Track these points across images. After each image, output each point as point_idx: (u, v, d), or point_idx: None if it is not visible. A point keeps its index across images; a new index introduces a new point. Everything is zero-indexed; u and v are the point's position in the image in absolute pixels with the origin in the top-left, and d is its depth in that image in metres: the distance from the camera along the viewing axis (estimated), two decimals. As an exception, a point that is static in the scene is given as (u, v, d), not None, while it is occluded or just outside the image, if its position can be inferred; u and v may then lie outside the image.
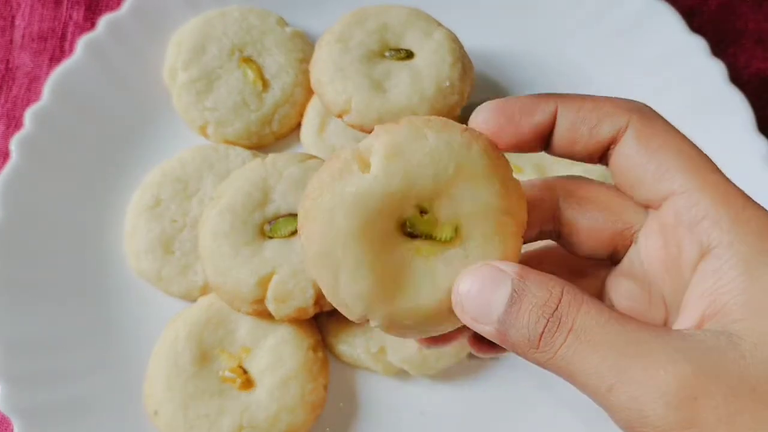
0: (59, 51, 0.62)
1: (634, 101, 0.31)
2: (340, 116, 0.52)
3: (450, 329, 0.31)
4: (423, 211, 0.30)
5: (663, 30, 0.58)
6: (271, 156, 0.51)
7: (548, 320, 0.27)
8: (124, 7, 0.57)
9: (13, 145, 0.53)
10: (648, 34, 0.58)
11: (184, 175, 0.54)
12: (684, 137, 0.30)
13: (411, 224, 0.30)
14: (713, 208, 0.28)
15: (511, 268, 0.28)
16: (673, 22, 0.58)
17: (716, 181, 0.28)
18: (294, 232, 0.49)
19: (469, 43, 0.56)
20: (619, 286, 0.33)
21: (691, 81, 0.57)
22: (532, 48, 0.61)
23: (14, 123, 0.60)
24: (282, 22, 0.59)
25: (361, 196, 0.29)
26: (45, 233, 0.53)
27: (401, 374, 0.51)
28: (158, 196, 0.54)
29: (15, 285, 0.50)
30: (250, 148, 0.57)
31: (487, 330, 0.28)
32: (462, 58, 0.54)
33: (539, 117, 0.31)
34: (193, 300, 0.52)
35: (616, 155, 0.30)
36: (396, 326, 0.30)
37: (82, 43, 0.56)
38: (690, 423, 0.25)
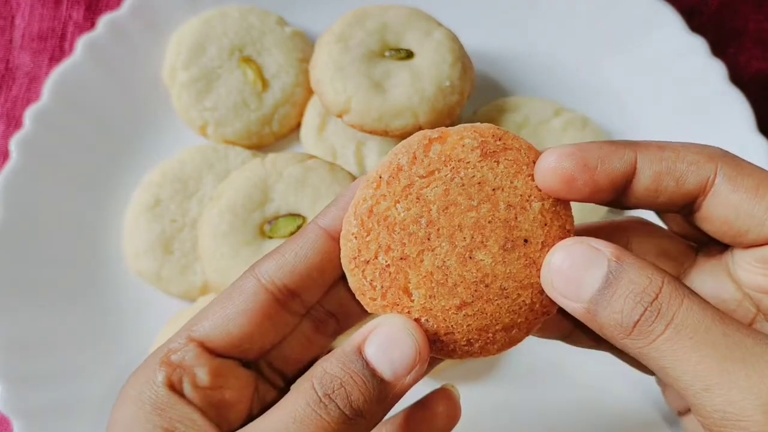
0: (59, 51, 0.62)
1: (714, 147, 0.30)
2: (339, 116, 0.52)
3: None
4: None
5: (663, 30, 0.58)
6: (270, 156, 0.51)
7: (646, 308, 0.27)
8: (124, 7, 0.57)
9: (13, 145, 0.53)
10: (648, 34, 0.58)
11: (183, 175, 0.54)
12: None
13: None
14: None
15: (607, 248, 0.28)
16: (673, 21, 0.58)
17: None
18: (293, 232, 0.49)
19: (469, 43, 0.56)
20: (705, 282, 0.32)
21: (691, 81, 0.57)
22: (532, 48, 0.61)
23: (14, 123, 0.60)
24: (282, 22, 0.59)
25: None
26: (45, 233, 0.53)
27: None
28: (158, 196, 0.54)
29: (15, 285, 0.50)
30: (249, 148, 0.56)
31: (574, 308, 0.28)
32: (462, 57, 0.54)
33: (617, 165, 0.29)
34: (193, 300, 0.52)
35: (709, 205, 0.29)
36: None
37: (82, 42, 0.56)
38: None
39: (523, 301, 0.29)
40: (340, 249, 0.30)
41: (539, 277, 0.29)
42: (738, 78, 0.58)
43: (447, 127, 0.30)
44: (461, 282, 0.29)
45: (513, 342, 0.30)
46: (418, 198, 0.29)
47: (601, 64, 0.60)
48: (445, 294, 0.29)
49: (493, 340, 0.30)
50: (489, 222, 0.29)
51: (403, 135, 0.52)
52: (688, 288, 0.27)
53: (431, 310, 0.29)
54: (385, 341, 0.28)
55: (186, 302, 0.53)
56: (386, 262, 0.29)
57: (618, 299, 0.27)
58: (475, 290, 0.29)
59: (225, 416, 0.31)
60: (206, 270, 0.49)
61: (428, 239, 0.29)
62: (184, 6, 0.59)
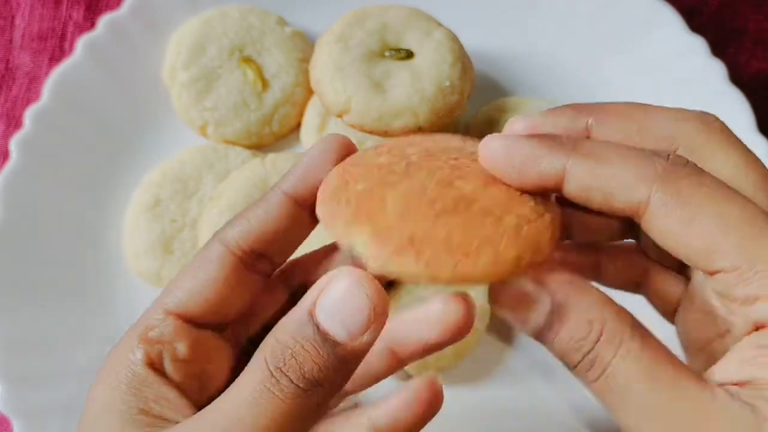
0: (59, 51, 0.62)
1: (659, 165, 0.27)
2: (340, 116, 0.52)
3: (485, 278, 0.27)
4: None
5: (663, 30, 0.58)
6: (270, 156, 0.51)
7: (584, 356, 0.27)
8: (124, 7, 0.57)
9: (13, 145, 0.53)
10: (648, 34, 0.58)
11: (183, 175, 0.54)
12: (729, 191, 0.27)
13: None
14: (766, 287, 0.26)
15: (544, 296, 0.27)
16: (673, 21, 0.58)
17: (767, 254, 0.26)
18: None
19: (468, 43, 0.56)
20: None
21: (691, 81, 0.57)
22: (532, 48, 0.61)
23: (14, 123, 0.60)
24: (282, 22, 0.59)
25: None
26: (45, 233, 0.53)
27: (401, 374, 0.51)
28: (158, 196, 0.54)
29: (15, 285, 0.51)
30: (249, 148, 0.57)
31: (524, 329, 0.28)
32: (462, 57, 0.54)
33: (544, 168, 0.28)
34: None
35: (646, 228, 0.28)
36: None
37: (82, 42, 0.56)
38: None
39: (509, 222, 0.27)
40: (303, 212, 0.30)
41: (527, 209, 0.28)
42: (738, 78, 0.58)
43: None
44: (440, 198, 0.27)
45: (501, 262, 0.26)
46: (400, 153, 0.29)
47: (601, 64, 0.60)
48: (422, 205, 0.27)
49: (476, 253, 0.26)
50: (468, 166, 0.28)
51: (403, 135, 0.52)
52: (636, 327, 0.27)
53: (406, 219, 0.26)
54: (334, 301, 0.26)
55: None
56: (363, 187, 0.28)
57: (560, 342, 0.27)
58: (455, 205, 0.27)
59: (206, 388, 0.30)
60: None
61: (407, 174, 0.28)
62: (184, 6, 0.59)
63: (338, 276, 0.26)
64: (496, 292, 0.29)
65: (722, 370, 0.27)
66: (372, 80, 0.52)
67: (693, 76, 0.57)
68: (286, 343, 0.26)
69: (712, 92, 0.56)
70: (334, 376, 0.26)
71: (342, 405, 0.34)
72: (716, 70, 0.56)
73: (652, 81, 0.58)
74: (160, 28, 0.58)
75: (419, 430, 0.36)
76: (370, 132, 0.52)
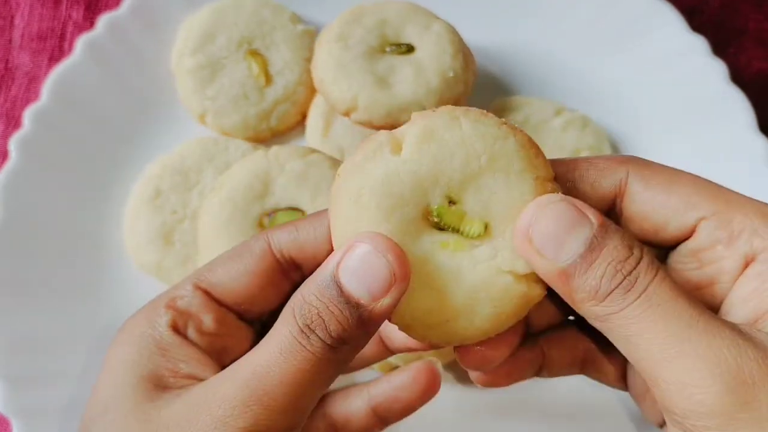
0: (58, 50, 0.62)
1: (625, 156, 0.31)
2: (347, 114, 0.52)
3: (472, 340, 0.30)
4: (451, 202, 0.29)
5: (664, 29, 0.58)
6: (274, 149, 0.52)
7: (625, 278, 0.27)
8: (124, 7, 0.57)
9: (13, 144, 0.53)
10: (649, 34, 0.58)
11: (184, 168, 0.54)
12: (680, 170, 0.31)
13: (438, 215, 0.29)
14: (749, 220, 0.28)
15: (593, 214, 0.28)
16: (673, 21, 0.58)
17: (741, 200, 0.29)
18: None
19: (468, 42, 0.56)
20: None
21: (691, 81, 0.57)
22: (532, 47, 0.61)
23: (13, 123, 0.60)
24: (295, 19, 0.59)
25: (389, 177, 0.28)
26: (45, 233, 0.52)
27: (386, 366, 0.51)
28: (158, 188, 0.54)
29: (15, 285, 0.50)
30: (248, 141, 0.57)
31: (544, 266, 0.28)
32: (462, 48, 0.54)
33: None
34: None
35: (628, 204, 0.30)
36: (417, 325, 0.29)
37: (81, 42, 0.56)
38: (742, 407, 0.25)
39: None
40: None
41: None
42: (738, 78, 0.58)
43: None
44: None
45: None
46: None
47: (602, 63, 0.60)
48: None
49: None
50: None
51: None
52: (662, 266, 0.28)
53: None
54: (357, 264, 0.27)
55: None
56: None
57: (599, 266, 0.27)
58: None
59: (225, 362, 0.31)
60: (202, 257, 0.50)
61: None
62: (183, 5, 0.58)
63: (361, 240, 0.28)
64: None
65: (727, 314, 0.29)
66: (376, 76, 0.52)
67: (693, 75, 0.57)
68: (312, 302, 0.28)
69: (713, 92, 0.56)
70: (358, 333, 0.28)
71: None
72: (717, 69, 0.56)
73: (653, 80, 0.58)
74: (160, 28, 0.58)
75: (414, 410, 0.38)
76: (379, 128, 0.52)
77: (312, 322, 0.27)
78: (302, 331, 0.27)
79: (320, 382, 0.28)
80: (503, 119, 0.30)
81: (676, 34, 0.57)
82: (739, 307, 0.28)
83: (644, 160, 0.31)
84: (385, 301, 0.27)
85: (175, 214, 0.53)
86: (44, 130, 0.54)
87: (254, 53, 0.57)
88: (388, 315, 0.28)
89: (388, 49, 0.54)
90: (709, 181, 0.30)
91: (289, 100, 0.57)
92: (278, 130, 0.58)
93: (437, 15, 0.56)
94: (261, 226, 0.49)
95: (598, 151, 0.56)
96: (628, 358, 0.28)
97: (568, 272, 0.27)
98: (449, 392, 0.51)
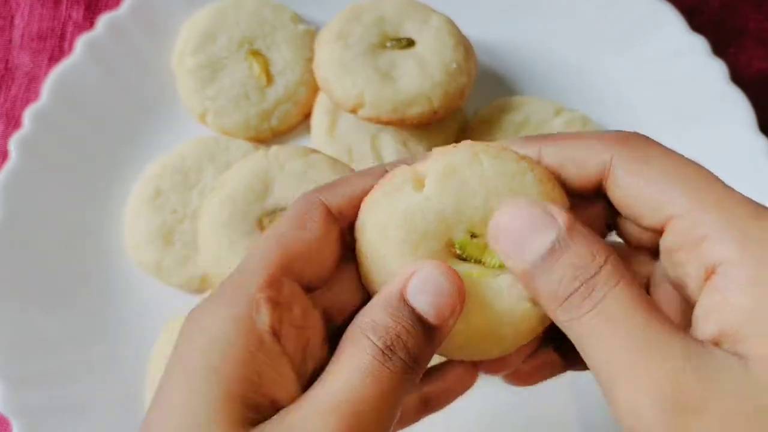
0: (58, 50, 0.62)
1: (623, 132, 0.30)
2: (353, 111, 0.53)
3: (498, 354, 0.31)
4: (473, 235, 0.30)
5: (664, 29, 0.58)
6: (274, 148, 0.52)
7: (582, 284, 0.27)
8: (124, 7, 0.57)
9: (13, 144, 0.53)
10: (649, 33, 0.58)
11: (184, 167, 0.54)
12: (680, 157, 0.29)
13: (461, 247, 0.30)
14: (717, 224, 0.26)
15: (561, 217, 0.28)
16: (673, 21, 0.58)
17: (720, 197, 0.27)
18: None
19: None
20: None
21: (691, 81, 0.57)
22: (531, 47, 0.60)
23: (13, 123, 0.60)
24: (296, 19, 0.59)
25: (413, 213, 0.30)
26: (45, 233, 0.52)
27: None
28: (159, 188, 0.54)
29: (15, 285, 0.50)
30: (248, 141, 0.57)
31: (513, 267, 0.28)
32: (462, 40, 0.55)
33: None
34: (193, 291, 0.52)
35: (611, 188, 0.30)
36: (448, 346, 0.30)
37: (81, 42, 0.56)
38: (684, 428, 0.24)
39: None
40: None
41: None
42: (738, 78, 0.58)
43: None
44: None
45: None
46: None
47: (602, 63, 0.60)
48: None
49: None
50: None
51: (420, 121, 0.53)
52: (630, 274, 0.27)
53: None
54: (425, 285, 0.28)
55: (186, 295, 0.53)
56: None
57: (558, 269, 0.27)
58: None
59: (305, 361, 0.29)
60: (204, 258, 0.49)
61: None
62: (183, 5, 0.59)
63: (424, 265, 0.28)
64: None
65: (695, 326, 0.27)
66: (380, 72, 0.52)
67: (693, 75, 0.57)
68: (387, 324, 0.27)
69: (713, 92, 0.56)
70: (427, 354, 0.28)
71: None
72: (717, 69, 0.56)
73: (653, 80, 0.58)
74: (160, 28, 0.58)
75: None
76: (387, 123, 0.53)
77: (392, 343, 0.27)
78: (383, 352, 0.27)
79: (399, 405, 0.28)
80: (522, 154, 0.31)
81: (676, 34, 0.57)
82: (702, 320, 0.26)
83: (640, 139, 0.30)
84: (450, 322, 0.28)
85: (175, 213, 0.53)
86: (44, 130, 0.54)
87: (255, 53, 0.57)
88: (446, 337, 0.29)
89: (388, 44, 0.54)
90: (699, 171, 0.28)
91: (290, 100, 0.57)
92: (279, 130, 0.58)
93: (434, 9, 0.56)
94: (260, 227, 0.49)
95: (598, 151, 0.56)
96: (587, 364, 0.27)
97: (531, 273, 0.28)
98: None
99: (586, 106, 0.58)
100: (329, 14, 0.57)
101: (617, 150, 0.29)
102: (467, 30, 0.56)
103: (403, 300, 0.28)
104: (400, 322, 0.27)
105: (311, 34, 0.59)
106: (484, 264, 0.30)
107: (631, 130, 0.58)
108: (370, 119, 0.52)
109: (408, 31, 0.55)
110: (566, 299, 0.27)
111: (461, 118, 0.58)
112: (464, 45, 0.55)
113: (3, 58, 0.62)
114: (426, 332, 0.28)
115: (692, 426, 0.24)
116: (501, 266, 0.30)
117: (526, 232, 0.28)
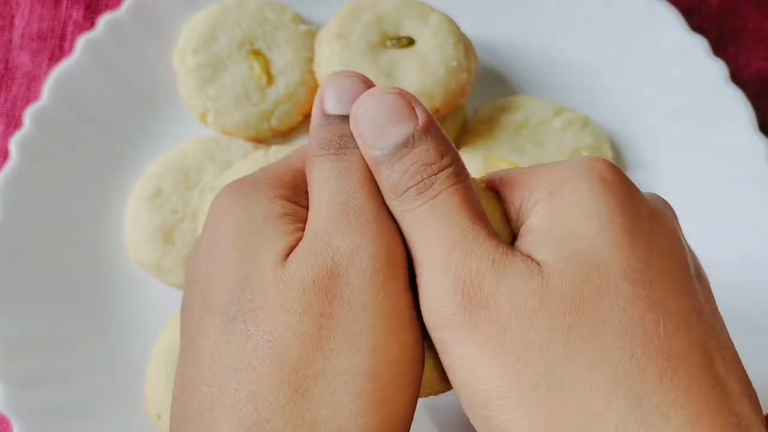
0: (59, 50, 0.62)
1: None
2: (356, 110, 0.53)
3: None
4: None
5: (663, 29, 0.58)
6: (273, 148, 0.52)
7: (422, 180, 0.28)
8: (124, 7, 0.57)
9: (13, 144, 0.53)
10: (647, 33, 0.58)
11: (185, 166, 0.54)
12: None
13: None
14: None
15: (422, 114, 0.29)
16: (673, 20, 0.58)
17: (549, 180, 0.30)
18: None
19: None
20: None
21: (691, 81, 0.57)
22: (530, 47, 0.61)
23: (13, 123, 0.60)
24: (297, 19, 0.59)
25: None
26: (45, 233, 0.52)
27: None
28: (159, 187, 0.54)
29: (15, 285, 0.50)
30: (249, 141, 0.57)
31: (363, 150, 0.29)
32: (462, 37, 0.55)
33: None
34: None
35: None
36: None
37: (82, 42, 0.56)
38: (476, 320, 0.26)
39: None
40: None
41: None
42: (738, 78, 0.58)
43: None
44: None
45: None
46: None
47: (601, 62, 0.60)
48: None
49: None
50: None
51: None
52: (473, 184, 0.29)
53: None
54: (336, 89, 0.32)
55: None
56: None
57: (406, 161, 0.28)
58: None
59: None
60: None
61: None
62: (184, 5, 0.59)
63: (327, 80, 0.33)
64: None
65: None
66: (381, 71, 0.53)
67: (693, 75, 0.57)
68: (325, 136, 0.31)
69: (712, 92, 0.56)
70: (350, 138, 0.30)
71: None
72: (716, 69, 0.56)
73: (652, 80, 0.58)
74: (160, 28, 0.58)
75: None
76: None
77: (337, 143, 0.30)
78: (338, 154, 0.30)
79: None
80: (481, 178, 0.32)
81: (676, 34, 0.58)
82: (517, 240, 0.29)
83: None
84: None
85: (175, 213, 0.53)
86: (44, 130, 0.54)
87: (256, 53, 0.57)
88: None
89: (388, 43, 0.54)
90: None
91: (290, 101, 0.57)
92: (279, 130, 0.58)
93: (433, 7, 0.56)
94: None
95: (598, 151, 0.56)
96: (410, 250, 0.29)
97: (380, 161, 0.29)
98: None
99: (586, 105, 0.58)
100: (329, 15, 0.57)
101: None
102: (466, 30, 0.56)
103: (326, 115, 0.31)
104: (332, 129, 0.30)
105: (312, 34, 0.59)
106: None
107: (631, 130, 0.59)
108: None
109: (407, 29, 0.55)
110: (404, 191, 0.28)
111: (461, 117, 0.58)
112: (464, 42, 0.55)
113: (3, 58, 0.62)
114: (340, 122, 0.31)
115: (481, 316, 0.26)
116: None
117: (384, 121, 0.29)
